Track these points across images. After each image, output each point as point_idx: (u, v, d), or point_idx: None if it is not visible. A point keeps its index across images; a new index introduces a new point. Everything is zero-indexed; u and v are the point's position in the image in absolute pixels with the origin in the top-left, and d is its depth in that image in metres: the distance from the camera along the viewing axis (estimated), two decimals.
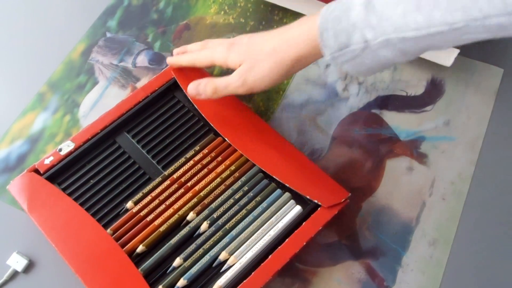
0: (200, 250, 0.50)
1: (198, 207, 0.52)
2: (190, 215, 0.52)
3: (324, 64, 0.64)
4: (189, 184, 0.54)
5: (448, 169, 0.57)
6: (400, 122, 0.60)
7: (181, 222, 0.52)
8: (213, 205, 0.53)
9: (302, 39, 0.47)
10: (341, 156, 0.58)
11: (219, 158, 0.55)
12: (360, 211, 0.55)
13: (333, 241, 0.54)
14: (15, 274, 0.53)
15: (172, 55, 0.65)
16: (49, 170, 0.54)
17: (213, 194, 0.53)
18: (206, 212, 0.52)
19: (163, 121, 0.58)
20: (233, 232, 0.51)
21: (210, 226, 0.52)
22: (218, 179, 0.54)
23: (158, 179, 0.54)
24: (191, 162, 0.55)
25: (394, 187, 0.56)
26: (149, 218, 0.52)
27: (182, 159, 0.55)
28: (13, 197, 0.56)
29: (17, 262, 0.53)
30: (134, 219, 0.52)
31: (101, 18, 0.69)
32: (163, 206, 0.53)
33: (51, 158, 0.55)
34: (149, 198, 0.53)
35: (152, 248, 0.51)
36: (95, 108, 0.62)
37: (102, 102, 0.62)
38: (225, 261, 0.50)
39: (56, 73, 0.65)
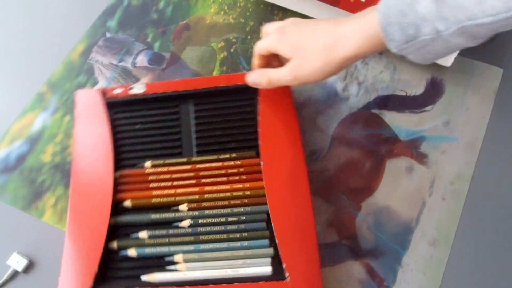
0: (166, 239, 0.50)
1: (194, 204, 0.52)
2: (182, 206, 0.52)
3: None
4: (202, 180, 0.53)
5: (448, 169, 0.57)
6: (400, 122, 0.60)
7: (172, 205, 0.52)
8: (206, 212, 0.52)
9: (359, 36, 0.47)
10: (341, 156, 0.58)
11: (244, 177, 0.54)
12: (360, 211, 0.55)
13: (333, 241, 0.54)
14: (15, 274, 0.53)
15: (172, 55, 0.65)
16: (113, 98, 0.57)
17: (214, 202, 0.52)
18: (196, 213, 0.52)
19: (228, 114, 0.57)
20: (202, 246, 0.50)
21: (189, 226, 0.51)
22: (228, 194, 0.53)
23: (184, 159, 0.55)
24: (220, 164, 0.54)
25: (394, 187, 0.56)
26: (151, 185, 0.53)
27: (215, 157, 0.55)
28: (13, 197, 0.56)
29: (17, 262, 0.53)
30: (141, 177, 0.53)
31: (101, 18, 0.69)
32: (169, 183, 0.53)
33: (120, 90, 0.57)
34: (165, 169, 0.54)
35: (135, 209, 0.52)
36: None
37: None
38: (176, 263, 0.49)
39: (56, 73, 0.65)
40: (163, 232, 0.51)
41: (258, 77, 0.53)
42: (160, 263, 0.50)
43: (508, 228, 0.54)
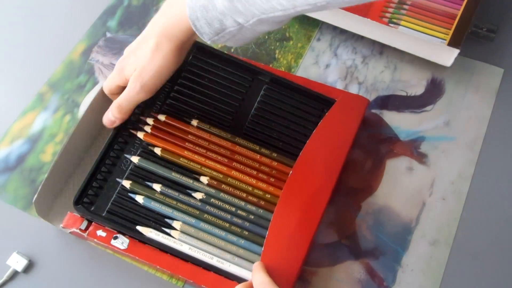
0: (174, 202, 0.51)
1: (214, 182, 0.52)
2: (203, 178, 0.52)
3: (324, 64, 0.64)
4: (234, 163, 0.53)
5: (448, 169, 0.57)
6: (400, 122, 0.60)
7: (195, 173, 0.53)
8: (221, 194, 0.52)
9: (178, 29, 0.49)
10: None
11: (272, 179, 0.53)
12: (360, 211, 0.55)
13: (333, 241, 0.54)
14: (15, 274, 0.53)
15: None
16: (202, 43, 0.56)
17: (232, 189, 0.52)
18: (212, 190, 0.52)
19: (291, 112, 0.57)
20: (202, 224, 0.50)
21: (200, 200, 0.52)
22: (249, 188, 0.53)
23: (228, 135, 0.55)
24: (257, 156, 0.54)
25: (394, 187, 0.56)
26: (187, 144, 0.54)
27: (257, 147, 0.55)
28: (13, 197, 0.56)
29: (17, 262, 0.53)
30: (182, 132, 0.55)
31: (101, 18, 0.69)
32: (203, 151, 0.54)
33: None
34: (207, 135, 0.55)
35: (161, 160, 0.53)
36: None
37: None
38: (172, 229, 0.50)
39: (56, 73, 0.65)
40: (175, 194, 0.52)
41: (110, 113, 0.53)
42: (158, 221, 0.51)
43: (508, 228, 0.54)
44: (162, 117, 0.55)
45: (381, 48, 0.65)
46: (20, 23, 0.69)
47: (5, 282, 0.52)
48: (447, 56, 0.60)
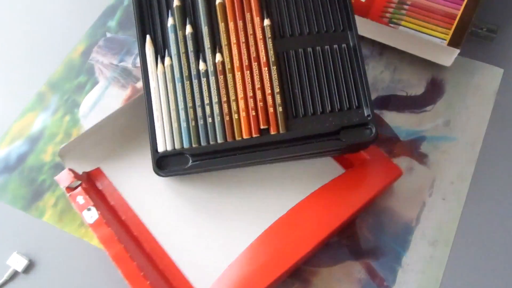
0: (183, 50, 0.52)
1: (220, 67, 0.51)
2: (218, 56, 0.52)
3: None
4: (247, 71, 0.51)
5: (448, 169, 0.57)
6: (400, 122, 0.60)
7: (218, 46, 0.52)
8: (212, 80, 0.52)
9: None
10: None
11: (253, 112, 0.51)
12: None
13: (333, 241, 0.54)
14: (15, 274, 0.53)
15: None
16: None
17: (223, 85, 0.52)
18: (211, 73, 0.52)
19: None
20: (178, 86, 0.52)
21: (196, 70, 0.52)
22: (233, 97, 0.51)
23: (271, 47, 0.52)
24: (273, 89, 0.51)
25: (394, 187, 0.56)
26: (238, 22, 0.52)
27: (277, 86, 0.51)
28: (13, 197, 0.56)
29: (17, 262, 0.53)
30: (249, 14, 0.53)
31: (101, 18, 0.69)
32: (243, 39, 0.52)
33: None
34: (260, 35, 0.52)
35: (212, 11, 0.53)
36: (95, 108, 0.62)
37: (102, 102, 0.62)
38: (162, 63, 0.52)
39: (56, 73, 0.65)
40: (191, 47, 0.52)
41: None
42: (163, 48, 0.53)
43: (508, 228, 0.54)
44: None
45: (381, 48, 0.65)
46: (20, 23, 0.69)
47: (5, 282, 0.52)
48: (447, 56, 0.60)
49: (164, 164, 0.50)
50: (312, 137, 0.50)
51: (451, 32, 0.62)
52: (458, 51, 0.60)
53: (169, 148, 0.50)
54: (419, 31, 0.62)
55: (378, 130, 0.52)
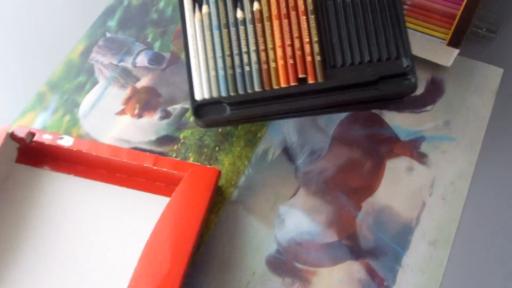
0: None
1: (258, 15, 0.51)
2: (256, 4, 0.52)
3: None
4: (284, 19, 0.52)
5: (448, 169, 0.57)
6: (400, 122, 0.60)
7: None
8: (250, 28, 0.52)
9: None
10: (341, 156, 0.58)
11: (291, 61, 0.51)
12: (360, 211, 0.55)
13: (333, 241, 0.54)
14: None
15: (172, 55, 0.65)
16: None
17: (261, 33, 0.52)
18: (248, 21, 0.52)
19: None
20: (216, 33, 0.52)
21: (234, 18, 0.52)
22: (270, 45, 0.52)
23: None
24: (310, 38, 0.51)
25: (394, 187, 0.56)
26: None
27: (316, 36, 0.51)
28: None
29: None
30: None
31: (101, 18, 0.69)
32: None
33: None
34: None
35: None
36: (95, 108, 0.62)
37: (102, 102, 0.62)
38: (199, 10, 0.52)
39: (56, 73, 0.65)
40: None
41: None
42: None
43: (508, 228, 0.54)
44: None
45: None
46: (19, 23, 0.69)
47: None
48: (447, 56, 0.60)
49: (203, 112, 0.50)
50: (350, 86, 0.49)
51: (451, 32, 0.62)
52: (458, 51, 0.60)
53: (206, 96, 0.50)
54: (419, 31, 0.62)
55: (418, 81, 0.50)
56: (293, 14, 0.52)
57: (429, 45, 0.61)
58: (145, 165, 0.53)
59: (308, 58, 0.50)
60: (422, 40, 0.62)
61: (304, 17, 0.51)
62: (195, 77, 0.51)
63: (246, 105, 0.50)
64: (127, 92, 0.63)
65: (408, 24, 0.63)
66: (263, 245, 0.53)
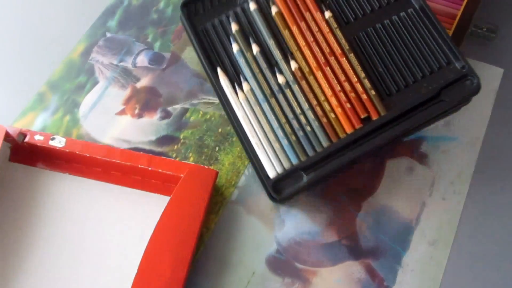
0: (257, 70, 0.52)
1: (299, 73, 0.51)
2: (293, 63, 0.51)
3: None
4: (326, 68, 0.51)
5: (448, 169, 0.57)
6: None
7: (289, 51, 0.52)
8: (296, 87, 0.51)
9: None
10: None
11: (348, 106, 0.50)
12: (360, 211, 0.55)
13: (333, 241, 0.54)
14: None
15: (172, 55, 0.65)
16: None
17: (308, 89, 0.51)
18: (292, 82, 0.51)
19: (409, 51, 0.51)
20: (265, 106, 0.51)
21: (277, 85, 0.51)
22: (322, 97, 0.51)
23: (346, 43, 0.52)
24: (358, 75, 0.51)
25: (394, 187, 0.56)
26: (301, 23, 0.53)
27: (359, 67, 0.51)
28: None
29: None
30: (306, 10, 0.53)
31: (101, 18, 0.69)
32: (311, 39, 0.52)
33: None
34: (325, 28, 0.52)
35: (271, 22, 0.54)
36: (95, 108, 0.62)
37: (102, 102, 0.62)
38: (241, 90, 0.51)
39: (56, 73, 0.65)
40: (264, 65, 0.52)
41: None
42: (236, 75, 0.52)
43: (508, 228, 0.54)
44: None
45: None
46: (19, 23, 0.69)
47: None
48: None
49: (280, 188, 0.48)
50: (415, 108, 0.49)
51: (451, 32, 0.62)
52: None
53: (279, 171, 0.48)
54: None
55: (479, 79, 0.50)
56: (332, 59, 0.51)
57: None
58: (139, 166, 0.53)
59: (364, 97, 0.50)
60: None
61: (344, 58, 0.51)
62: (261, 156, 0.49)
63: (320, 164, 0.49)
64: (127, 92, 0.63)
65: None
66: (263, 245, 0.53)
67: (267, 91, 0.51)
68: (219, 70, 0.52)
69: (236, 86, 0.51)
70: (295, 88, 0.51)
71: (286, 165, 0.49)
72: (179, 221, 0.50)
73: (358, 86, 0.50)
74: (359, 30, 0.52)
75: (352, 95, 0.50)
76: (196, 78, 0.64)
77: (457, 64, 0.50)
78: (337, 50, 0.51)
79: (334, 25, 0.52)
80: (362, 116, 0.49)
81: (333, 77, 0.50)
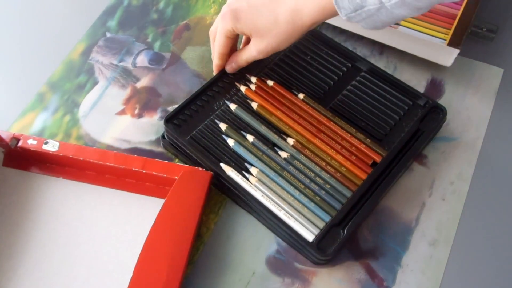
0: (260, 153, 0.55)
1: (299, 145, 0.55)
2: (290, 140, 0.56)
3: None
4: (321, 134, 0.56)
5: (448, 169, 0.57)
6: None
7: (283, 133, 0.57)
8: (302, 157, 0.55)
9: (315, 6, 0.51)
10: None
11: (353, 157, 0.55)
12: None
13: None
14: None
15: (172, 55, 0.66)
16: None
17: (313, 155, 0.55)
18: (296, 152, 0.55)
19: (381, 101, 0.59)
20: (281, 180, 0.53)
21: (284, 160, 0.54)
22: (328, 157, 0.55)
23: (324, 110, 0.58)
24: (344, 133, 0.56)
25: (394, 187, 0.56)
26: (282, 107, 0.58)
27: (346, 125, 0.57)
28: None
29: None
30: (285, 99, 0.59)
31: (101, 18, 0.69)
32: (296, 116, 0.57)
33: None
34: (305, 107, 0.58)
35: (255, 114, 0.58)
36: (95, 108, 0.62)
37: (102, 102, 0.62)
38: (250, 174, 0.53)
39: (56, 73, 0.65)
40: (264, 147, 0.55)
41: (233, 65, 0.59)
42: (240, 164, 0.54)
43: (508, 228, 0.54)
44: (270, 83, 0.60)
45: (381, 48, 0.65)
46: (20, 23, 0.69)
47: None
48: (447, 56, 0.60)
49: (323, 247, 0.50)
50: (409, 140, 0.56)
51: (451, 32, 0.62)
52: (458, 51, 0.60)
53: (315, 232, 0.50)
54: (419, 31, 0.62)
55: (446, 109, 0.58)
56: (323, 127, 0.57)
57: (429, 45, 0.61)
58: (133, 169, 0.53)
59: (362, 147, 0.55)
60: (422, 40, 0.62)
61: (331, 123, 0.57)
62: (294, 225, 0.51)
63: (351, 214, 0.52)
64: (127, 92, 0.63)
65: (408, 24, 0.63)
66: (263, 245, 0.53)
67: (277, 167, 0.54)
68: (222, 165, 0.54)
69: (246, 174, 0.53)
70: (301, 157, 0.55)
71: (321, 224, 0.51)
72: (174, 224, 0.50)
73: (354, 140, 0.56)
74: (331, 100, 0.59)
75: (353, 149, 0.55)
76: (196, 78, 0.64)
77: (420, 101, 0.59)
78: (323, 119, 0.57)
79: (310, 101, 0.58)
80: (369, 163, 0.55)
81: (330, 140, 0.56)
